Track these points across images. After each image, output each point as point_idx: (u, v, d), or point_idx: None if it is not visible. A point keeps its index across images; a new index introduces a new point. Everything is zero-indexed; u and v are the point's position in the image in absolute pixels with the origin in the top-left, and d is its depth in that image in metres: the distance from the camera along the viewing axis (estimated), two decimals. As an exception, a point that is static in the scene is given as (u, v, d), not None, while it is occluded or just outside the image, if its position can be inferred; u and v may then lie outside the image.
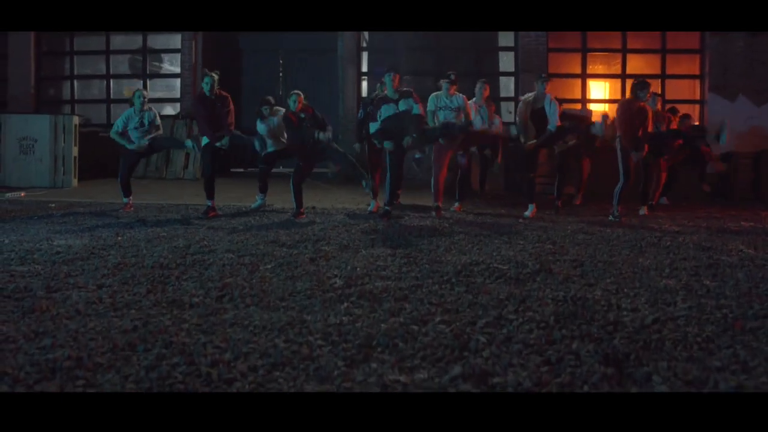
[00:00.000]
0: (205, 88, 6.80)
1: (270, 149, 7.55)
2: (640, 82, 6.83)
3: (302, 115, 6.73)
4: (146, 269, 3.58)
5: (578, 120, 8.36)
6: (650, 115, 6.99)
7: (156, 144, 7.45)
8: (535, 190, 7.23)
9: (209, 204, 6.87)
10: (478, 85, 7.47)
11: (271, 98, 7.55)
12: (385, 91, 6.71)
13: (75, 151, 10.04)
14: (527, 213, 7.01)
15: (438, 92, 6.97)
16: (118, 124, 7.23)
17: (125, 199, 7.27)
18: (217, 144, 6.79)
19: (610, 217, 6.75)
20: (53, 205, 7.72)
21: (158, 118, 7.47)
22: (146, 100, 7.30)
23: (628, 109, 6.75)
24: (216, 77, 6.81)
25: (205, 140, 6.91)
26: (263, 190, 7.65)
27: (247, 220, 6.38)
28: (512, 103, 12.12)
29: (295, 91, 6.88)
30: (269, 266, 3.67)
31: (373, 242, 4.60)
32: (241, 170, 12.33)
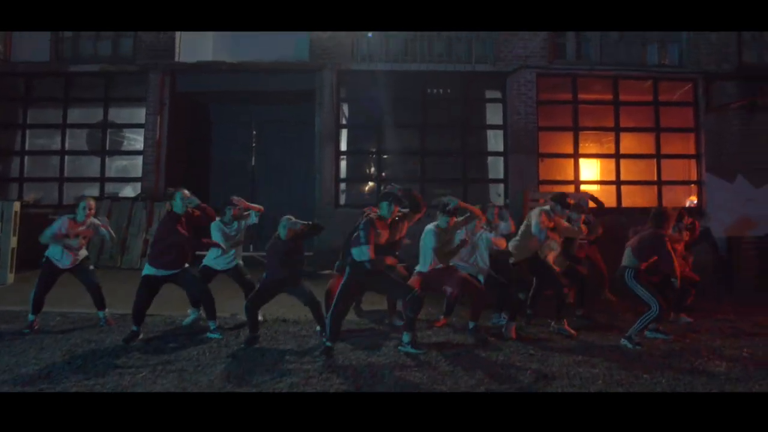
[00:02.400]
0: (176, 205, 5.77)
1: (212, 264, 6.44)
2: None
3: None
4: None
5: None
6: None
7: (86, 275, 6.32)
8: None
9: (134, 329, 5.67)
10: (489, 211, 6.68)
11: (236, 200, 6.50)
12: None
13: (13, 241, 8.86)
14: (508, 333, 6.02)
15: (434, 227, 5.90)
16: (53, 227, 6.12)
17: (31, 316, 6.05)
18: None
19: (623, 341, 5.73)
20: (-27, 316, 6.50)
21: (101, 224, 6.46)
22: (92, 211, 6.26)
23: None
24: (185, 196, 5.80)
25: (147, 268, 5.79)
26: (196, 305, 6.40)
27: (185, 363, 4.99)
28: (501, 185, 11.34)
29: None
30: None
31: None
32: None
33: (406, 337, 5.44)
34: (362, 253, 5.14)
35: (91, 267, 6.44)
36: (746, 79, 11.40)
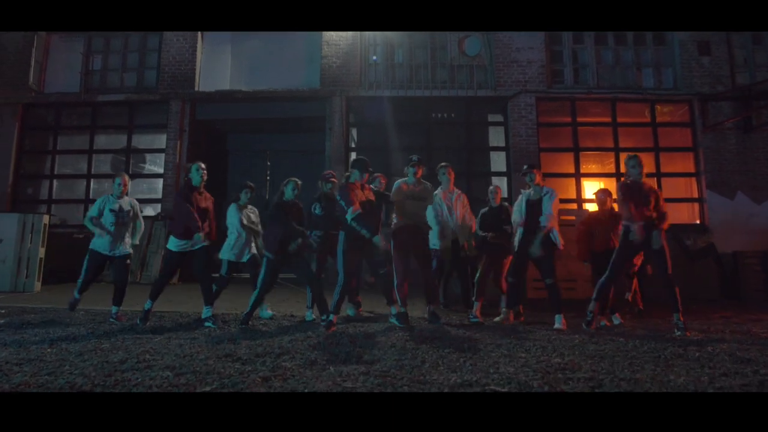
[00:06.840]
0: (195, 178, 6.08)
1: (231, 257, 6.75)
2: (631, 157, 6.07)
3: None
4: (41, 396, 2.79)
5: None
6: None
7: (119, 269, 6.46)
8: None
9: (147, 307, 6.07)
10: (441, 170, 6.68)
11: (252, 184, 7.00)
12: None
13: (42, 252, 9.42)
14: (557, 325, 5.94)
15: (404, 179, 6.27)
16: (93, 209, 6.47)
17: (77, 294, 6.42)
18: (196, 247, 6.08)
19: (584, 325, 5.85)
20: (3, 311, 6.97)
21: (139, 208, 6.72)
22: (126, 186, 6.57)
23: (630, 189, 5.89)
24: (204, 169, 6.17)
25: (173, 242, 6.10)
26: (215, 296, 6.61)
27: (212, 329, 5.59)
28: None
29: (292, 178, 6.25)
30: (208, 389, 2.89)
31: (347, 356, 3.83)
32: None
33: (392, 310, 5.88)
34: (350, 213, 5.47)
35: (128, 262, 6.55)
36: (740, 99, 11.82)
